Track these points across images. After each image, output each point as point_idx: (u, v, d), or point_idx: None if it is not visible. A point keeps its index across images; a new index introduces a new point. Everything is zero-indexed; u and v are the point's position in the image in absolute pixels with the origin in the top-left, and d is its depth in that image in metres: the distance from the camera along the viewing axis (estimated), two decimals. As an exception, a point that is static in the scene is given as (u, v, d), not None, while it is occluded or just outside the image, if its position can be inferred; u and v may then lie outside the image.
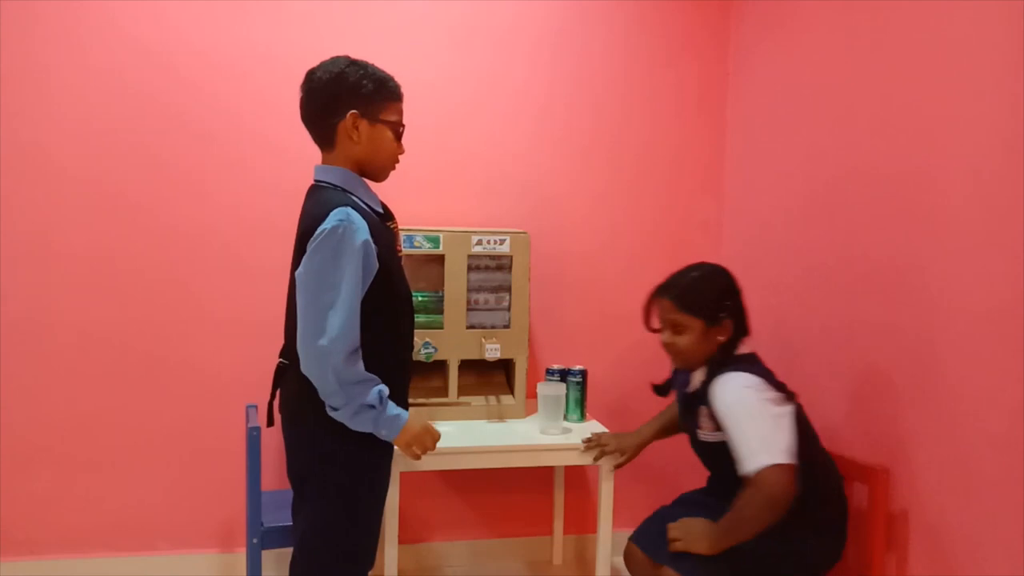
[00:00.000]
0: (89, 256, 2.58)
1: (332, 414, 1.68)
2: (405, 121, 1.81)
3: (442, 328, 2.53)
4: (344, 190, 1.73)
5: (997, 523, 1.73)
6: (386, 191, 2.74)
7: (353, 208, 1.67)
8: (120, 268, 2.59)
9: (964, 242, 1.84)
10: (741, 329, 2.01)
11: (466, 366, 2.57)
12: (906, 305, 2.03)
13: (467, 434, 2.44)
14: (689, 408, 2.07)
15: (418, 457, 1.79)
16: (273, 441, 2.71)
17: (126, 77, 2.56)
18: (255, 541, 2.25)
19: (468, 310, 2.56)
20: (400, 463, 2.27)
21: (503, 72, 2.83)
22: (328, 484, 1.76)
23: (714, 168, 3.00)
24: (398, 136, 1.78)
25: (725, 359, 1.97)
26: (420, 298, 2.54)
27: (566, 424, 2.50)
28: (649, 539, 2.12)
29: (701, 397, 1.97)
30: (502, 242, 2.57)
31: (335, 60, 1.74)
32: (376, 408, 1.67)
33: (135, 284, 2.61)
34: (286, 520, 2.29)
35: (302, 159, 2.71)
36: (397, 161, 1.83)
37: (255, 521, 2.25)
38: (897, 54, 2.09)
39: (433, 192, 2.81)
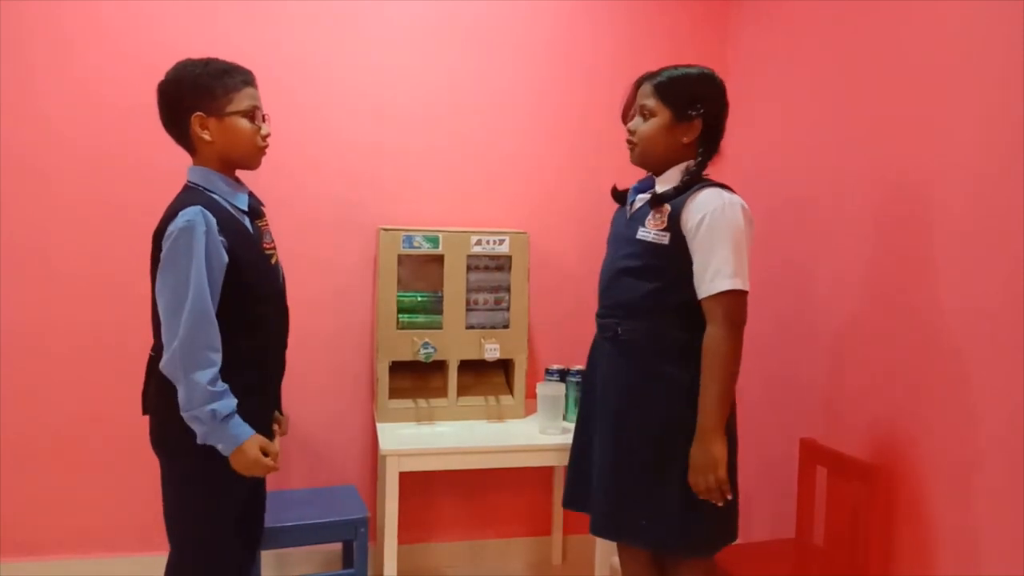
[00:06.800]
0: (87, 258, 2.59)
1: (182, 413, 1.67)
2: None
3: (441, 328, 2.53)
4: (206, 189, 1.76)
5: (997, 523, 1.73)
6: (385, 191, 2.76)
7: (207, 206, 1.69)
8: (118, 270, 2.59)
9: (964, 241, 1.84)
10: (712, 141, 1.90)
11: (465, 366, 2.58)
12: (906, 303, 2.03)
13: (466, 434, 2.44)
14: (640, 210, 1.92)
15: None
16: (272, 442, 2.72)
17: (119, 83, 2.56)
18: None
19: (467, 310, 2.57)
20: (395, 463, 2.28)
21: (503, 72, 2.83)
22: (176, 474, 1.79)
23: (713, 167, 3.00)
24: (254, 121, 1.79)
25: (701, 169, 1.87)
26: (419, 298, 2.55)
27: (566, 424, 2.50)
28: (604, 520, 1.93)
29: (669, 197, 1.84)
30: (501, 242, 2.57)
31: (176, 66, 1.77)
32: (205, 425, 1.66)
33: (133, 286, 2.60)
34: (285, 520, 2.30)
35: (293, 162, 2.72)
36: (263, 145, 1.83)
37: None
38: (896, 53, 2.09)
39: (432, 192, 2.81)
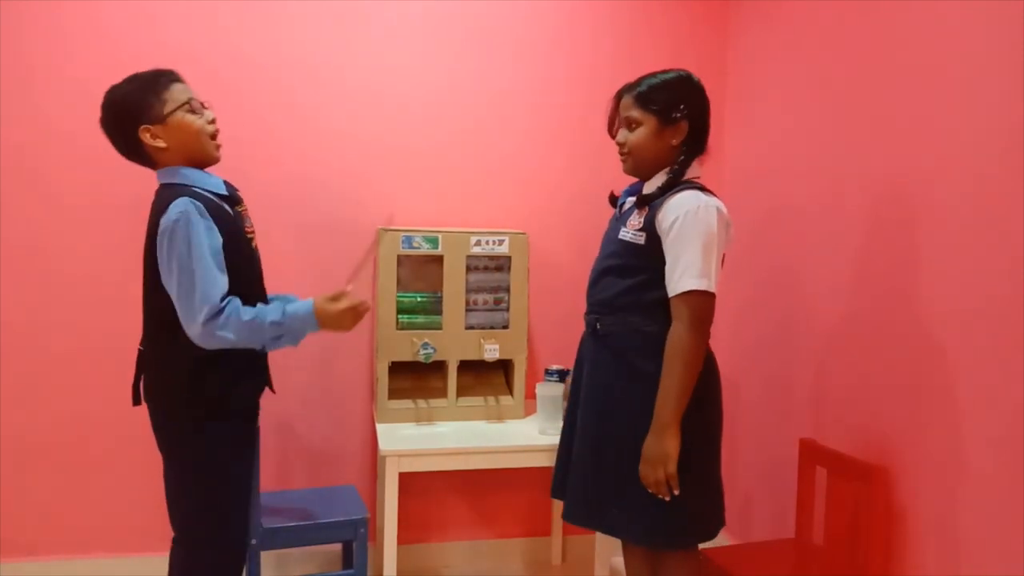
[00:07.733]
0: (86, 258, 2.59)
1: (266, 350, 1.88)
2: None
3: (441, 329, 2.53)
4: (183, 184, 1.79)
5: (997, 523, 1.73)
6: (385, 191, 2.76)
7: (192, 196, 1.74)
8: (117, 270, 2.59)
9: (964, 240, 1.84)
10: (698, 140, 1.93)
11: (465, 367, 2.58)
12: (905, 304, 2.03)
13: (466, 435, 2.44)
14: (627, 211, 1.97)
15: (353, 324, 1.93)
16: (271, 442, 2.71)
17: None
18: (254, 542, 2.24)
19: (467, 311, 2.56)
20: (395, 464, 2.28)
21: (503, 72, 2.83)
22: (186, 462, 1.84)
23: (713, 167, 3.00)
24: (195, 111, 1.81)
25: (683, 169, 1.89)
26: (419, 299, 2.55)
27: (565, 424, 2.50)
28: (578, 508, 1.96)
29: (651, 199, 1.88)
30: (501, 243, 2.57)
31: (105, 96, 1.79)
32: (283, 336, 1.82)
33: (133, 286, 2.59)
34: (285, 521, 2.31)
35: (293, 162, 2.72)
36: (214, 130, 1.85)
37: (254, 522, 2.25)
38: (896, 53, 2.09)
39: (432, 192, 2.81)
